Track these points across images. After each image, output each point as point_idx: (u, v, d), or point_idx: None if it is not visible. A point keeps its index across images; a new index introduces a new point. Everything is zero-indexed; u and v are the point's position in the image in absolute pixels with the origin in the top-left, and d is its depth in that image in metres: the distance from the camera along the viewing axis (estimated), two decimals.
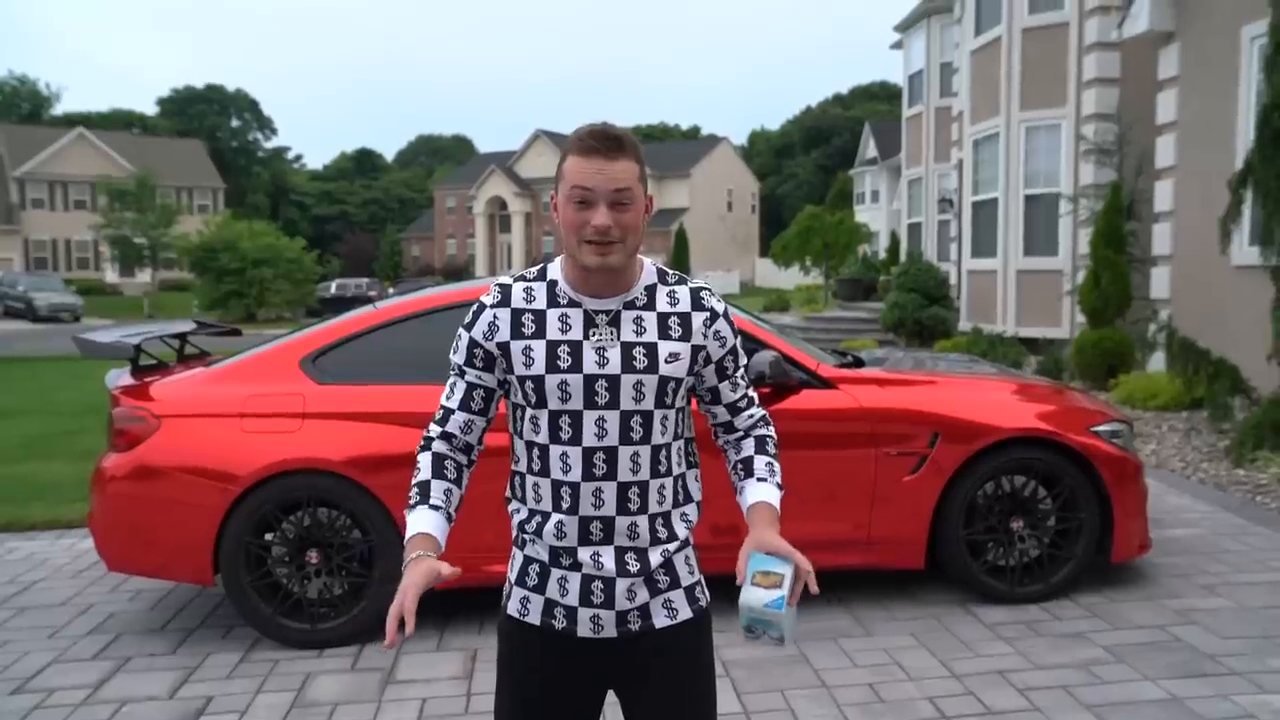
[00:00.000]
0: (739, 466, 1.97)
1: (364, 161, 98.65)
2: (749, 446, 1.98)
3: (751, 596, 1.72)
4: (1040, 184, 14.29)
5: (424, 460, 1.89)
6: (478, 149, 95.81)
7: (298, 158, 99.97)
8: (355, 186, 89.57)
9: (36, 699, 3.88)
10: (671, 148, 67.55)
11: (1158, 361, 10.47)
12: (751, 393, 2.02)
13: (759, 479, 1.93)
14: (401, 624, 1.59)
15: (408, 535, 1.79)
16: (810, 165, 76.60)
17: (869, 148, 43.03)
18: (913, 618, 4.50)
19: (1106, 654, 4.03)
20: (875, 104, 74.58)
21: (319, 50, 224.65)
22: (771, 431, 2.02)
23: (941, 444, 4.51)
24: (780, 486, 1.94)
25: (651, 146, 66.34)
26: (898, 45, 24.00)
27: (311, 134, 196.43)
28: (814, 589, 1.77)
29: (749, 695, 3.74)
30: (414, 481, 1.87)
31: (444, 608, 4.69)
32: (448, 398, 1.93)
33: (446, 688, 3.89)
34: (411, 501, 1.84)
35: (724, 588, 4.84)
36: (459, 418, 1.91)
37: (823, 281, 29.71)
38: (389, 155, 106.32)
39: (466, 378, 1.90)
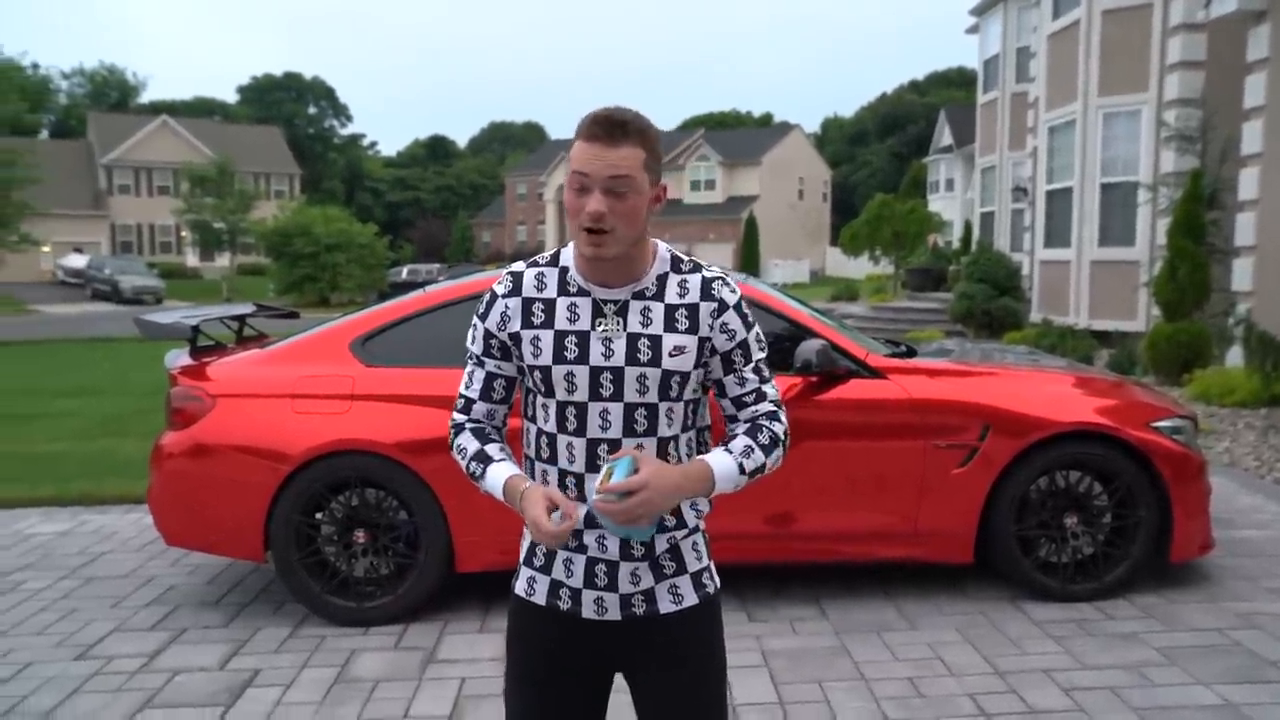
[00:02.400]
0: (722, 443, 1.88)
1: (437, 148, 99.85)
2: (740, 429, 1.89)
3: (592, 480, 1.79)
4: (1118, 172, 13.85)
5: (465, 439, 1.91)
6: (549, 135, 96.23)
7: (372, 145, 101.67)
8: (428, 173, 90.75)
9: (96, 665, 4.03)
10: (743, 135, 67.01)
11: (1235, 356, 10.08)
12: (766, 389, 1.89)
13: (725, 449, 1.83)
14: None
15: (501, 485, 1.81)
16: (884, 153, 75.33)
17: (944, 135, 42.09)
18: (959, 613, 4.41)
19: (1159, 656, 3.91)
20: (951, 90, 72.92)
21: (394, 39, 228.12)
22: (774, 425, 1.88)
23: (992, 437, 4.41)
24: (744, 470, 1.81)
25: (723, 133, 65.90)
26: (973, 30, 23.43)
27: (386, 121, 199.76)
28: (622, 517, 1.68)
29: (786, 686, 3.71)
30: (468, 458, 1.88)
31: (487, 590, 4.74)
32: (467, 387, 1.93)
33: (487, 668, 3.93)
34: (477, 472, 1.86)
35: (760, 579, 4.82)
36: (481, 407, 1.93)
37: (892, 271, 29.27)
38: (461, 142, 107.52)
39: (487, 367, 1.91)
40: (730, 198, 58.40)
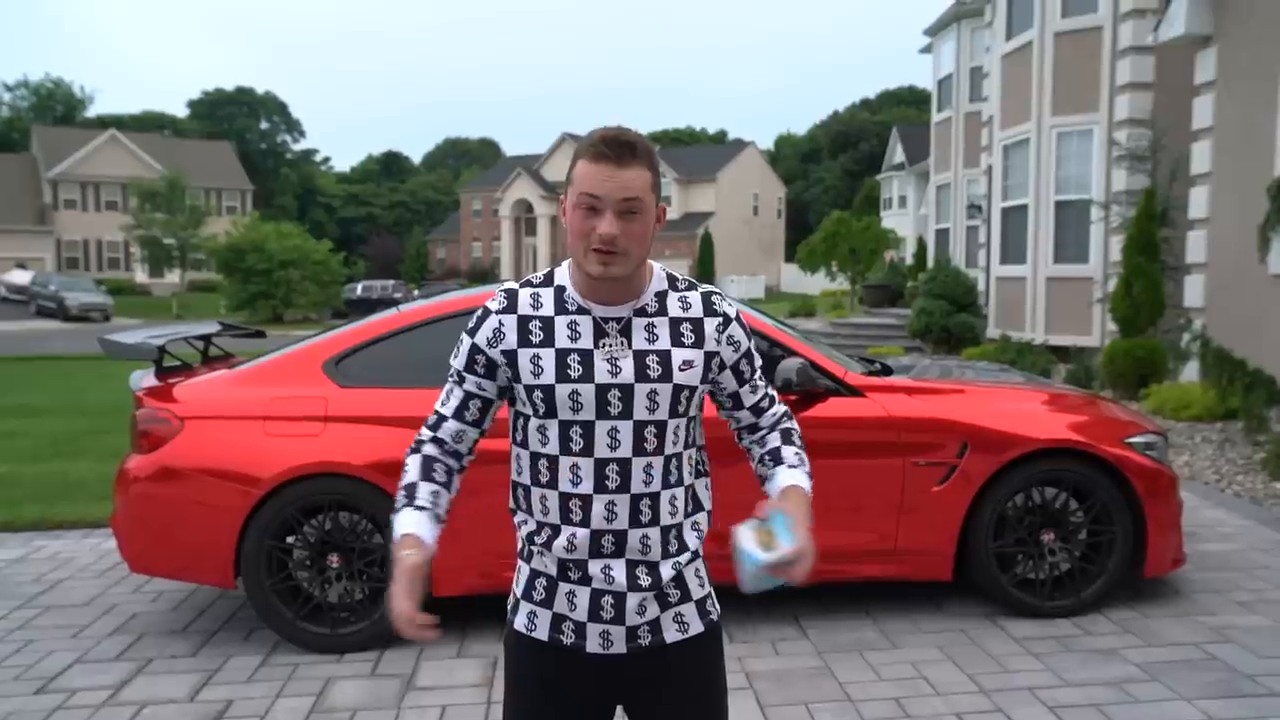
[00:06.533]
0: (766, 458, 1.94)
1: (391, 164, 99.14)
2: (775, 439, 1.95)
3: (742, 537, 1.75)
4: (1071, 190, 14.12)
5: (412, 463, 1.84)
6: (504, 152, 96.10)
7: (325, 160, 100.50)
8: (382, 189, 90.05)
9: (59, 699, 3.88)
10: (698, 152, 67.44)
11: (1191, 371, 10.29)
12: (772, 391, 1.99)
13: (790, 466, 1.90)
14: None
15: (395, 537, 1.74)
16: (837, 170, 76.21)
17: (897, 153, 42.74)
18: (940, 631, 4.42)
19: (1140, 672, 3.94)
20: (904, 109, 74.07)
21: (347, 53, 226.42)
22: (795, 426, 1.98)
23: (971, 454, 4.43)
24: (810, 476, 1.91)
25: (678, 151, 66.24)
26: (927, 49, 23.80)
27: (339, 137, 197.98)
28: (794, 581, 1.75)
29: (772, 708, 3.67)
30: (401, 485, 1.83)
31: (464, 615, 4.66)
32: (443, 404, 1.87)
33: (466, 695, 3.86)
34: (398, 505, 1.80)
35: (736, 598, 4.78)
36: (451, 426, 1.85)
37: (849, 287, 29.56)
38: (416, 158, 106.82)
39: (465, 385, 1.84)
40: (686, 214, 58.70)
